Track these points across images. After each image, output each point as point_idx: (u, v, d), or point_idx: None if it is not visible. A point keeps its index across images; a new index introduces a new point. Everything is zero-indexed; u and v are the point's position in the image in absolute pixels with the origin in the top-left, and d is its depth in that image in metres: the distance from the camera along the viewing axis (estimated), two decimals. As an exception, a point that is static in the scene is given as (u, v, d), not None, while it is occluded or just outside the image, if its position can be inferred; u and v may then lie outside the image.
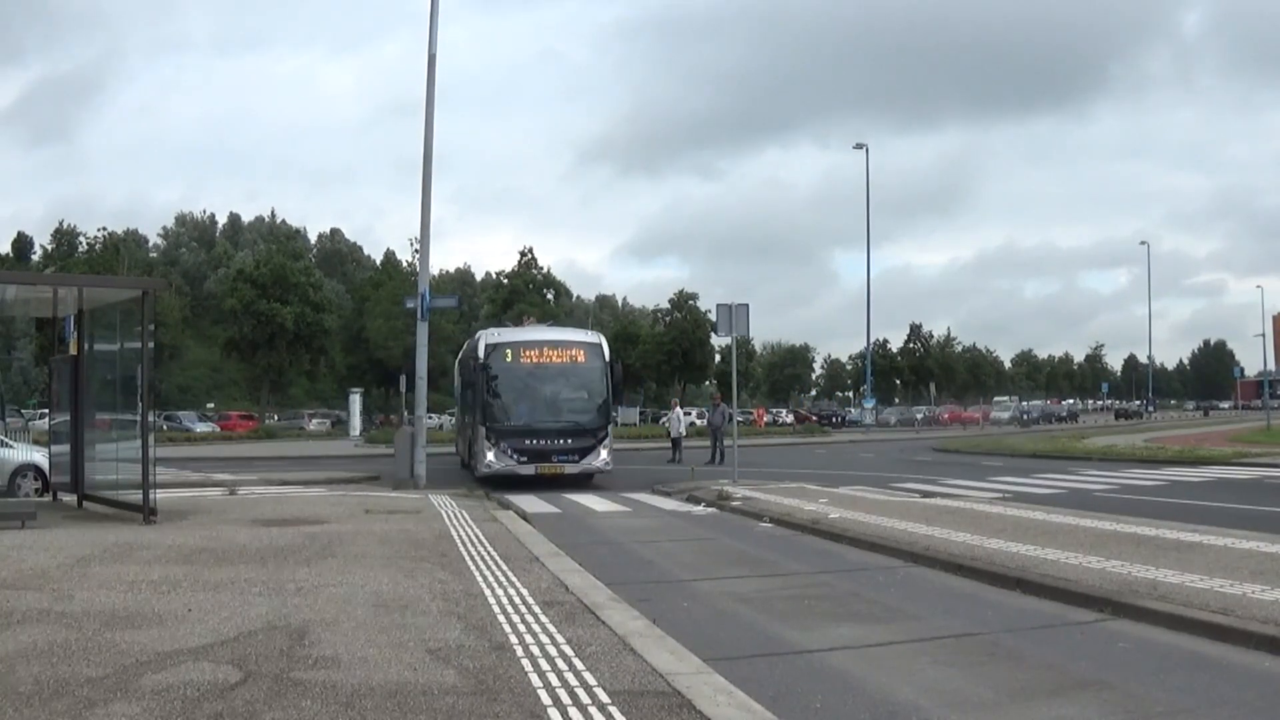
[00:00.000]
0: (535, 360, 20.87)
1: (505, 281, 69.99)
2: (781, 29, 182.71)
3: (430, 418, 32.45)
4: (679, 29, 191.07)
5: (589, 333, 23.55)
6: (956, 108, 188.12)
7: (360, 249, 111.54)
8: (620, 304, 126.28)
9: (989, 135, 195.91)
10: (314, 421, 62.69)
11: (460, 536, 11.71)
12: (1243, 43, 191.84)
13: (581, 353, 21.21)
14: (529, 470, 19.97)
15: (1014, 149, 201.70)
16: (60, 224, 76.43)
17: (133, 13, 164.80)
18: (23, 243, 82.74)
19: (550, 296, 70.04)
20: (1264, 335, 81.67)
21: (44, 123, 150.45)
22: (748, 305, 19.49)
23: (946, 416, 72.72)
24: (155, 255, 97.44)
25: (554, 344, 21.59)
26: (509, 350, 20.89)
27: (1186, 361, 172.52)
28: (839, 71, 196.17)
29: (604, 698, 5.21)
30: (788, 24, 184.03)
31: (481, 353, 20.82)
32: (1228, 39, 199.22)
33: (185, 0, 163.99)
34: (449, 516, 13.92)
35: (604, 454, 20.61)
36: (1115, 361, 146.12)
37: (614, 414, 23.35)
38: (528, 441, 20.09)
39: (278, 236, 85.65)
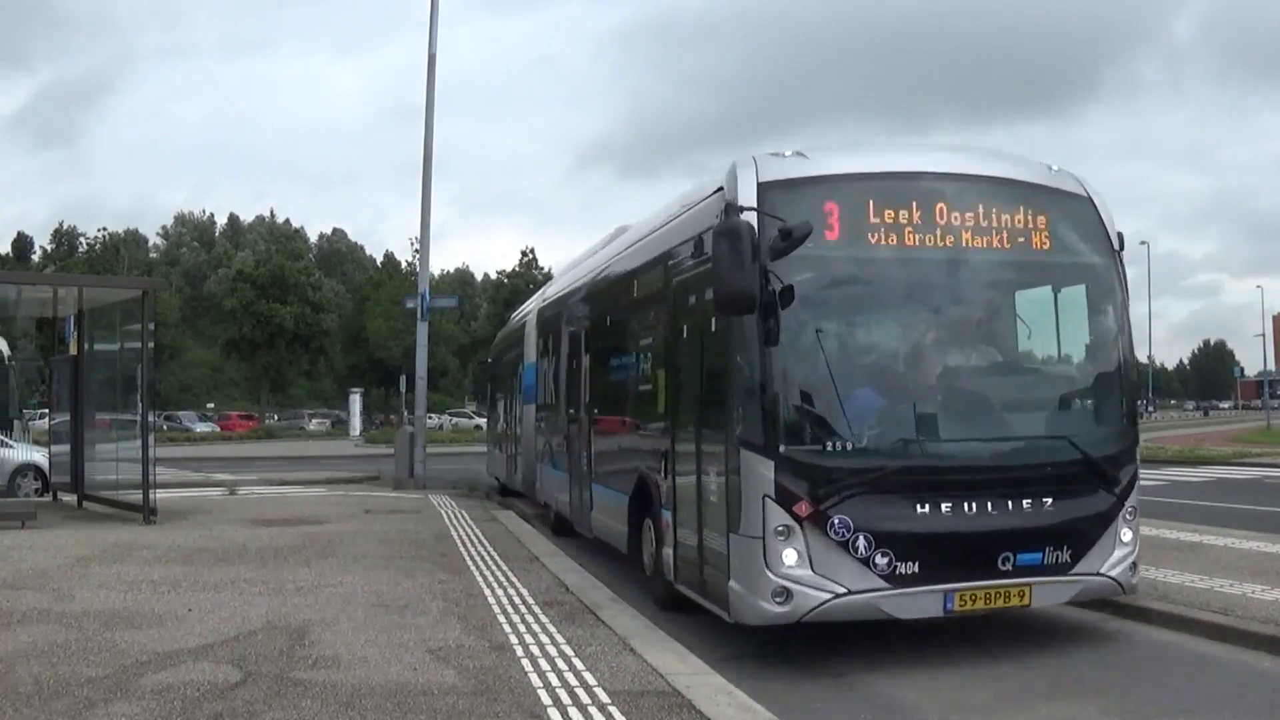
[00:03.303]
0: (919, 239, 6.59)
1: (506, 281, 69.97)
2: (776, 34, 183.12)
3: (430, 418, 32.50)
4: (675, 34, 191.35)
5: (1047, 167, 7.26)
6: (951, 112, 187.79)
7: (361, 249, 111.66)
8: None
9: (983, 139, 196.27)
10: (314, 421, 62.67)
11: (460, 536, 11.70)
12: (1232, 48, 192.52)
13: (1043, 220, 6.89)
14: (929, 601, 6.31)
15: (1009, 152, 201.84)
16: (60, 224, 76.59)
17: (140, 19, 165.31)
18: (23, 243, 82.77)
19: (551, 297, 70.03)
20: (1264, 335, 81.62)
21: (50, 126, 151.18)
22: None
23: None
24: (155, 255, 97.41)
25: (966, 185, 6.81)
26: (840, 203, 6.50)
27: (1186, 362, 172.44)
28: (834, 76, 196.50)
29: (604, 698, 5.21)
30: (782, 29, 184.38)
31: (744, 199, 6.39)
32: (1217, 44, 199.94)
33: (192, 6, 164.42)
34: (449, 516, 13.91)
35: (1127, 536, 6.87)
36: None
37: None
38: (922, 509, 6.30)
39: (277, 237, 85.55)
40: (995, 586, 6.34)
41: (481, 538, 11.56)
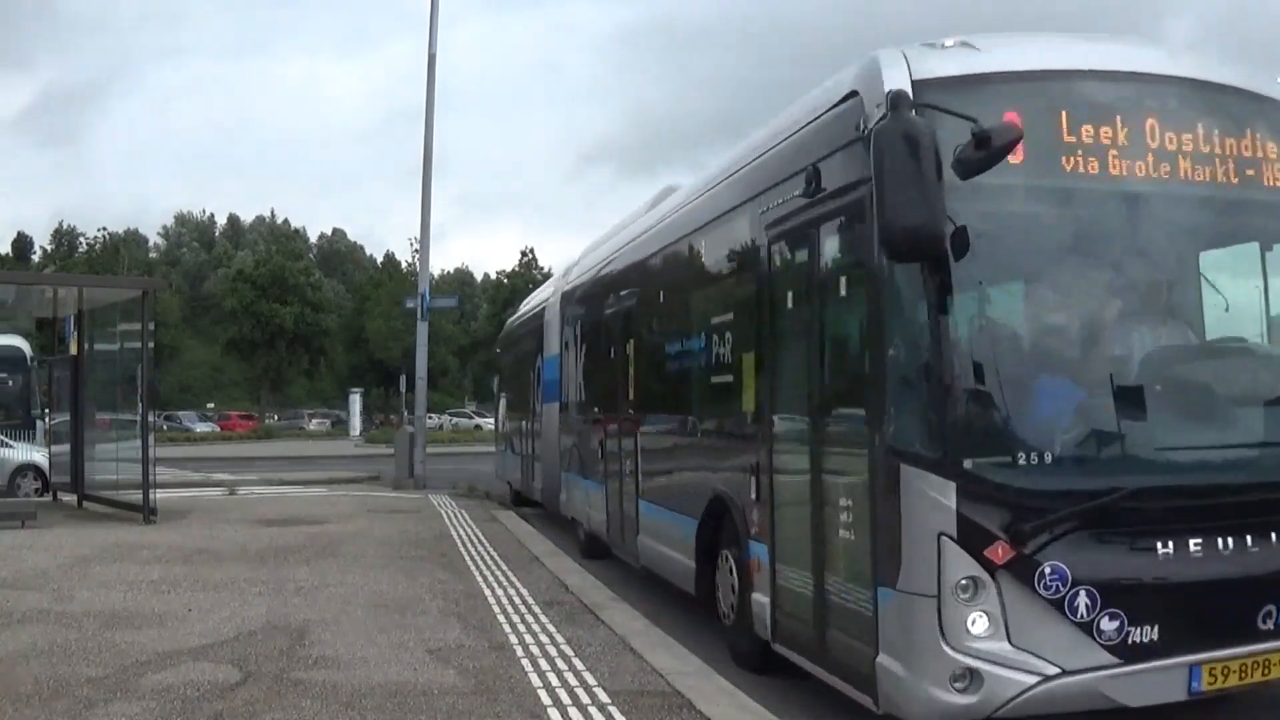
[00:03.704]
0: (1130, 168, 4.63)
1: (506, 281, 70.03)
2: (777, 36, 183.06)
3: (430, 418, 32.48)
4: (677, 36, 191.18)
5: (1274, 78, 5.19)
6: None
7: (361, 249, 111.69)
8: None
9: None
10: (314, 421, 62.70)
11: (460, 536, 11.70)
12: (1229, 49, 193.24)
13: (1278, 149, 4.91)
14: (1169, 680, 4.33)
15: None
16: (60, 224, 76.72)
17: (141, 20, 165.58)
18: (23, 243, 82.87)
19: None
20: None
21: (52, 127, 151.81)
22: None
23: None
24: (155, 255, 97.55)
25: (1193, 94, 4.82)
26: (1027, 112, 4.47)
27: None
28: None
29: (604, 698, 5.21)
30: (783, 32, 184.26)
31: (895, 89, 4.33)
32: (1214, 46, 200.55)
33: (193, 7, 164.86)
34: (449, 516, 13.91)
35: None
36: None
37: None
38: (1165, 549, 4.35)
39: (277, 237, 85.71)
40: (1254, 654, 4.43)
41: (481, 538, 11.56)
